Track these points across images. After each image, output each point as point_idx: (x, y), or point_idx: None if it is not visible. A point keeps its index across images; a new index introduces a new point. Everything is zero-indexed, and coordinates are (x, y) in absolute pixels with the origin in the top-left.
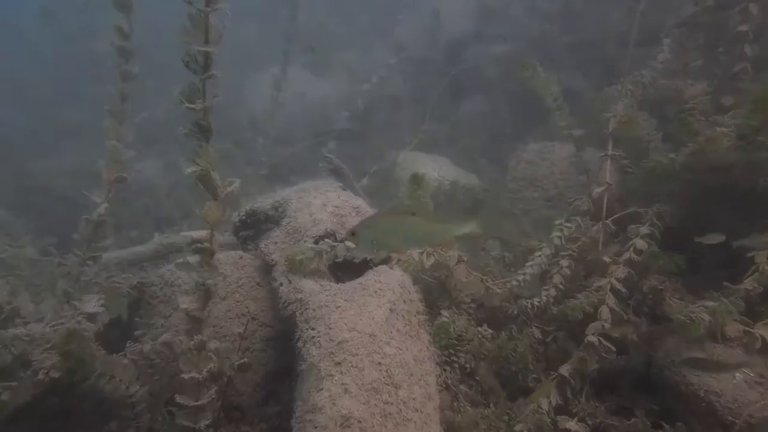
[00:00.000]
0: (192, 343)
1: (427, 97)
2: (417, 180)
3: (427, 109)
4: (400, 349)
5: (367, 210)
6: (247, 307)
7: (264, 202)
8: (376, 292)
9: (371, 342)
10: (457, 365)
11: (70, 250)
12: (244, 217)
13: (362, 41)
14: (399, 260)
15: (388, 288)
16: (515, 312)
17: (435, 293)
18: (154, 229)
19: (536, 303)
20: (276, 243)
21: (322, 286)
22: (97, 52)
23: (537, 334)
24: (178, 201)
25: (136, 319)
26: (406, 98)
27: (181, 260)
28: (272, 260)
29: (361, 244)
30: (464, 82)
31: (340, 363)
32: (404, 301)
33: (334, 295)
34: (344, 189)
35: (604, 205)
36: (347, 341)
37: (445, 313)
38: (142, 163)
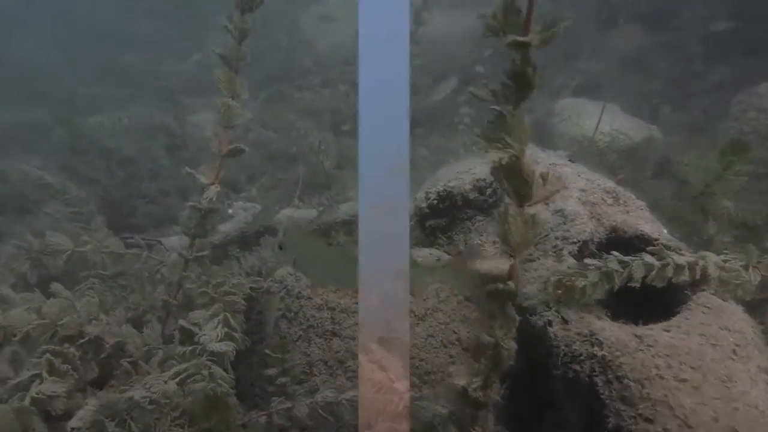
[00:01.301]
0: None
1: (579, 28)
2: (739, 148)
3: (582, 43)
4: None
5: (629, 195)
6: (455, 333)
7: (459, 180)
8: (734, 351)
9: None
10: None
11: (149, 236)
12: (434, 201)
13: None
14: (721, 282)
15: (745, 341)
16: None
17: None
18: (223, 195)
19: None
20: (495, 244)
21: (638, 337)
22: None
23: None
24: (240, 161)
25: (266, 350)
26: None
27: None
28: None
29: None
30: (628, 6)
31: None
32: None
33: (668, 356)
34: (572, 160)
35: None
36: None
37: None
38: (198, 116)
